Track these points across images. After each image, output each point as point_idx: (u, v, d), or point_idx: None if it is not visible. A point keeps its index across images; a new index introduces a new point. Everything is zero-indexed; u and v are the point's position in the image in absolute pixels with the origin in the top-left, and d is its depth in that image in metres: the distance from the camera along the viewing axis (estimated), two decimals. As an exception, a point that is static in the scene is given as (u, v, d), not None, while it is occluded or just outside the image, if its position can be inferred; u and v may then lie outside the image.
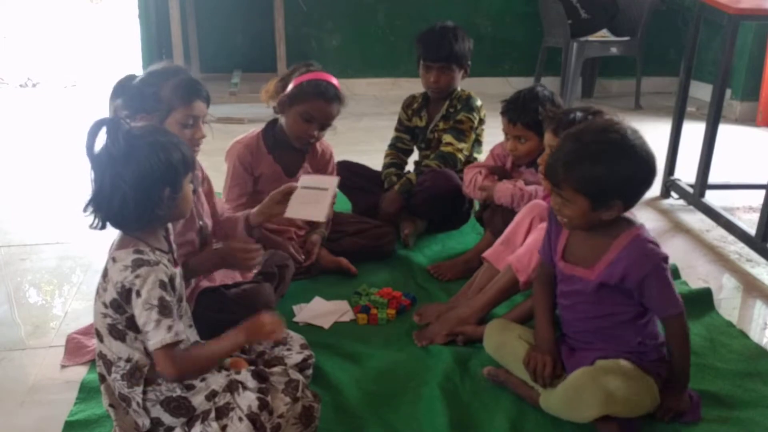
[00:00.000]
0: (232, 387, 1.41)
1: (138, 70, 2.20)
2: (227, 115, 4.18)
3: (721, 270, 2.49)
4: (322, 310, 2.08)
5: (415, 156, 2.83)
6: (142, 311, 1.34)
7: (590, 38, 4.72)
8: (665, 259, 1.52)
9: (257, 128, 2.36)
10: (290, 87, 2.22)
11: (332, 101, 2.21)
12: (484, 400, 1.69)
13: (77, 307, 2.12)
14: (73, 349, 1.86)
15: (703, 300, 2.16)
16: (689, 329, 1.58)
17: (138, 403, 1.38)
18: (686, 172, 3.13)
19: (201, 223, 1.84)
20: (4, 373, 1.80)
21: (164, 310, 1.34)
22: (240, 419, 1.37)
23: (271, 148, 2.30)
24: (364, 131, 3.75)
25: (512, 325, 1.78)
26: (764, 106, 4.55)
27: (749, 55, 4.57)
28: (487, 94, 3.76)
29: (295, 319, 2.04)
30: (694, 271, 2.44)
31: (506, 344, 1.72)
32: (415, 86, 2.69)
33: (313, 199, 1.96)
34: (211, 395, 1.41)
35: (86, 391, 1.69)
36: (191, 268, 1.72)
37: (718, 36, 4.38)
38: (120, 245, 1.41)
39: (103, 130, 1.37)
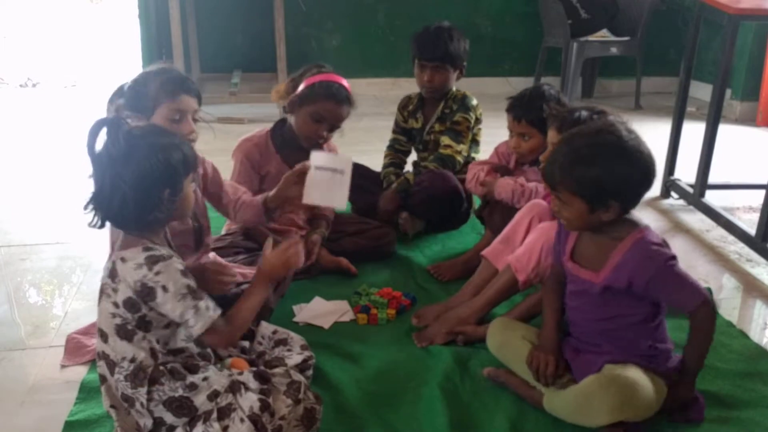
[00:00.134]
0: (234, 388, 1.41)
1: (138, 70, 2.21)
2: (227, 115, 4.17)
3: (721, 270, 2.49)
4: (322, 310, 2.08)
5: (414, 156, 2.83)
6: (175, 304, 1.37)
7: (590, 38, 4.72)
8: (671, 258, 1.50)
9: (265, 127, 2.37)
10: (301, 87, 2.22)
11: (342, 103, 2.22)
12: (484, 400, 1.69)
13: (77, 307, 2.12)
14: (73, 349, 1.86)
15: (703, 300, 2.16)
16: (715, 317, 1.54)
17: (142, 404, 1.38)
18: (686, 172, 3.13)
19: (196, 224, 1.84)
20: (4, 373, 1.80)
21: (195, 294, 1.39)
22: (241, 420, 1.37)
23: (279, 148, 2.30)
24: (364, 131, 3.75)
25: (515, 324, 1.79)
26: (764, 106, 4.55)
27: (749, 55, 4.57)
28: (487, 94, 3.77)
29: (295, 319, 2.04)
30: (694, 271, 2.43)
31: (509, 343, 1.72)
32: (415, 86, 2.69)
33: (330, 183, 1.90)
34: (213, 395, 1.41)
35: (86, 391, 1.68)
36: None
37: (718, 36, 4.38)
38: (126, 245, 1.41)
39: (104, 130, 1.38)
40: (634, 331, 1.58)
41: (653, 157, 1.52)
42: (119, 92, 1.78)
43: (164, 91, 1.74)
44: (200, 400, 1.40)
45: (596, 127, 1.55)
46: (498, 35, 5.25)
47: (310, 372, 1.66)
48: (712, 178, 3.03)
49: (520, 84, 4.83)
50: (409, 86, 2.84)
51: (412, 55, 2.62)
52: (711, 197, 2.99)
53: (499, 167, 2.35)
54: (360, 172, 2.67)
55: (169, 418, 1.40)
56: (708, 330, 1.53)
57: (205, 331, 1.40)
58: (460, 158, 2.56)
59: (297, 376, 1.48)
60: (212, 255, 2.01)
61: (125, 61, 5.73)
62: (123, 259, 1.39)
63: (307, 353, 1.66)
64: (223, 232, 2.34)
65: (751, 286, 2.38)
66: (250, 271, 1.93)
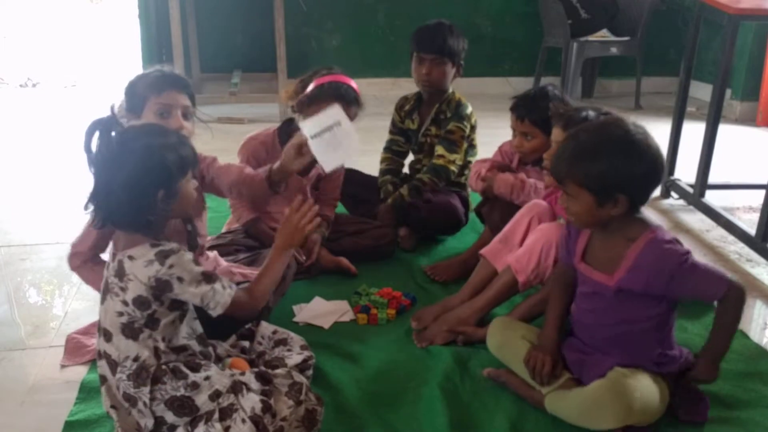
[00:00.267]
0: (236, 388, 1.41)
1: (138, 70, 2.21)
2: (227, 115, 4.17)
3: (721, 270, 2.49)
4: (322, 310, 2.08)
5: (412, 157, 2.82)
6: (194, 291, 1.40)
7: (590, 38, 4.73)
8: (685, 254, 1.50)
9: (270, 126, 2.37)
10: (310, 87, 2.23)
11: (351, 104, 2.24)
12: (484, 400, 1.69)
13: (77, 307, 2.12)
14: (73, 349, 1.86)
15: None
16: (745, 297, 1.54)
17: (144, 404, 1.38)
18: (686, 172, 3.13)
19: (189, 227, 1.83)
20: (4, 373, 1.80)
21: (210, 278, 1.43)
22: (243, 421, 1.37)
23: None
24: (363, 131, 3.72)
25: (516, 324, 1.79)
26: (764, 106, 4.55)
27: (749, 55, 4.57)
28: (487, 94, 3.77)
29: (295, 319, 2.04)
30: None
31: (509, 343, 1.72)
32: (415, 86, 2.68)
33: (334, 141, 1.89)
34: (215, 395, 1.41)
35: (86, 391, 1.68)
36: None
37: (718, 36, 4.38)
38: (130, 243, 1.41)
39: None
40: (644, 336, 1.57)
41: (661, 152, 1.52)
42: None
43: (150, 87, 1.75)
44: (202, 400, 1.40)
45: (604, 121, 1.57)
46: (498, 35, 5.25)
47: (310, 372, 1.66)
48: (712, 178, 3.02)
49: (520, 84, 4.85)
50: (410, 86, 2.83)
51: (411, 50, 2.62)
52: (711, 197, 2.99)
53: (501, 165, 2.35)
54: (355, 179, 2.65)
55: (170, 417, 1.40)
56: (738, 310, 1.53)
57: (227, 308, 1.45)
58: (453, 168, 2.55)
59: (299, 378, 1.48)
60: (213, 254, 2.00)
61: (125, 61, 5.73)
62: (131, 258, 1.39)
63: (307, 353, 1.66)
64: (223, 230, 2.34)
65: (751, 286, 2.37)
66: (250, 272, 1.93)
